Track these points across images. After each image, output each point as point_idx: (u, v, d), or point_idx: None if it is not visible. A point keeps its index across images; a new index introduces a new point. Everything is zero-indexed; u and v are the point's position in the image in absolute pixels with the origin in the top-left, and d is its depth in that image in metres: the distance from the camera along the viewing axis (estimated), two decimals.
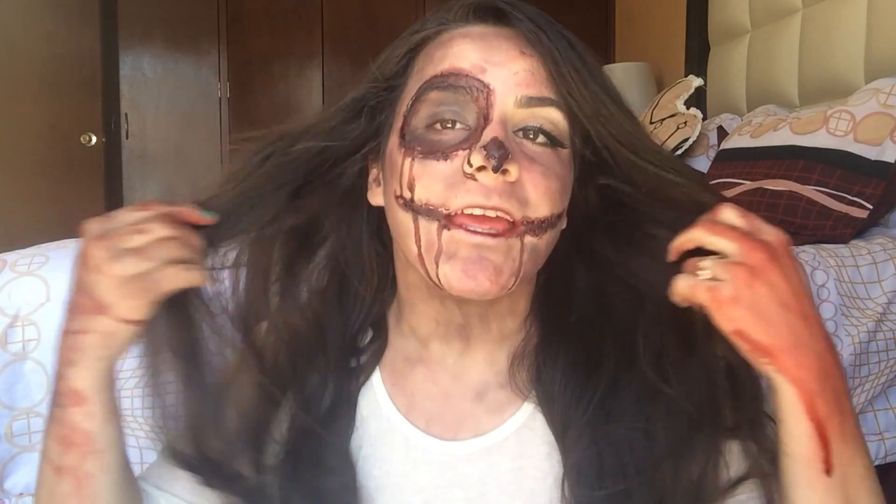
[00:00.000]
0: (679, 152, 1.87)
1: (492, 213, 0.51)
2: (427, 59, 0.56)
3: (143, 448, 0.95)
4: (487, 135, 0.51)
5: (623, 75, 2.80)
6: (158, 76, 3.49)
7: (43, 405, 0.92)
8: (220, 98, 3.52)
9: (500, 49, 0.54)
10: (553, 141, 0.54)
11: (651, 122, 2.04)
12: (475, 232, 0.51)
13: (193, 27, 3.49)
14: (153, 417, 0.56)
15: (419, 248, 0.53)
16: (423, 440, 0.59)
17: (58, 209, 3.14)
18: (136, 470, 0.94)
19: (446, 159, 0.52)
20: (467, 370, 0.61)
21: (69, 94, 3.18)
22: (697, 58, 2.52)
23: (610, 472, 0.54)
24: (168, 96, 3.50)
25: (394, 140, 0.56)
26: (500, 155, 0.49)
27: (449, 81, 0.54)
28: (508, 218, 0.51)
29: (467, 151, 0.51)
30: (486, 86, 0.53)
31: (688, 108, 1.97)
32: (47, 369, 0.92)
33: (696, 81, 2.05)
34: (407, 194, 0.53)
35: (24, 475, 0.93)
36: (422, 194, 0.52)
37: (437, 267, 0.52)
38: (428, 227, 0.52)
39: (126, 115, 3.45)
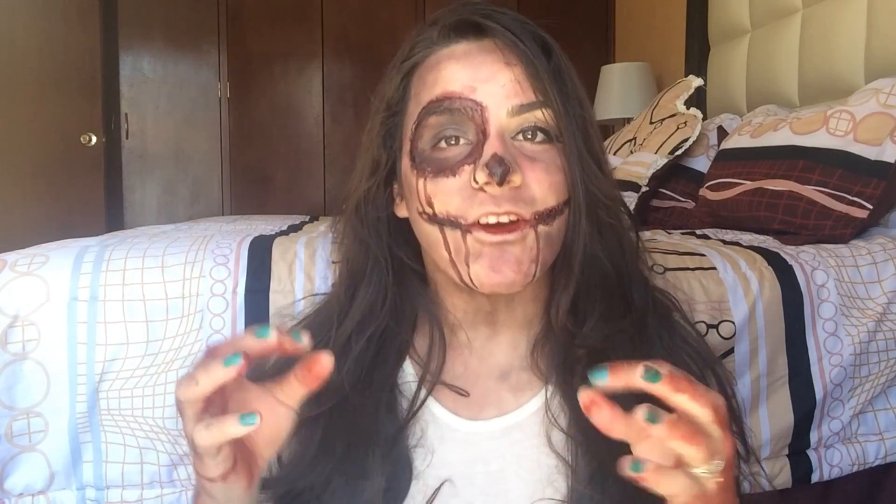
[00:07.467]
0: (679, 152, 1.87)
1: (505, 219, 0.56)
2: (421, 83, 0.62)
3: (142, 448, 0.94)
4: (488, 150, 0.57)
5: (623, 75, 2.80)
6: (158, 76, 3.49)
7: (43, 405, 0.92)
8: (220, 98, 3.52)
9: (485, 64, 0.59)
10: (550, 136, 0.60)
11: (651, 122, 2.04)
12: (495, 231, 0.57)
13: (193, 27, 3.49)
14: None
15: (450, 254, 0.59)
16: (450, 419, 0.65)
17: (58, 209, 3.15)
18: (136, 472, 0.94)
19: (455, 175, 0.58)
20: (493, 353, 0.67)
21: (69, 94, 3.18)
22: (697, 58, 2.52)
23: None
24: (168, 96, 3.50)
25: (406, 162, 0.62)
26: (501, 170, 0.55)
27: (444, 105, 0.59)
28: (520, 218, 0.57)
29: (472, 166, 0.58)
30: (479, 104, 0.58)
31: (688, 108, 1.96)
32: (47, 369, 0.92)
33: (696, 81, 2.04)
34: (429, 210, 0.59)
35: (24, 475, 0.93)
36: (441, 208, 0.58)
37: (469, 267, 0.58)
38: (454, 235, 0.58)
39: (126, 115, 3.46)
